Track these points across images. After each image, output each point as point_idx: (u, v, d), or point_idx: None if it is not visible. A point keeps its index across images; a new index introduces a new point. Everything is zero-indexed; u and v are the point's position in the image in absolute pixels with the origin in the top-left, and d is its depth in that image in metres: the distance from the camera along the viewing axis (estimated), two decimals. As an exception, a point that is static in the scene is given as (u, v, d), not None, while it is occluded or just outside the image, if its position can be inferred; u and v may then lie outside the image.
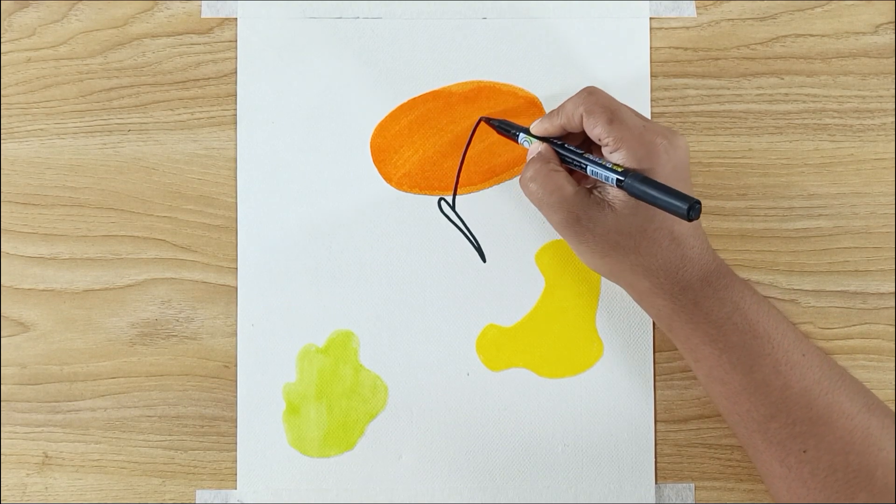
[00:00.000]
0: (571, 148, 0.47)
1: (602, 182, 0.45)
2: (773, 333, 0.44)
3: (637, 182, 0.43)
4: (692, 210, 0.41)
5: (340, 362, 0.51)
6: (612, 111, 0.44)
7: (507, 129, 0.50)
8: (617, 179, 0.44)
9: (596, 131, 0.45)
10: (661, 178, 0.43)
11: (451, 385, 0.51)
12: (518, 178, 0.52)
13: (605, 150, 0.45)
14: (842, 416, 0.42)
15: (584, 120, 0.45)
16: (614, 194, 0.45)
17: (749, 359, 0.44)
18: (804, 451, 0.42)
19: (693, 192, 0.46)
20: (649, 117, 0.52)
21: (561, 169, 0.46)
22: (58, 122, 0.52)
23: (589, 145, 0.48)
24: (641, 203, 0.44)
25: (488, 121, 0.51)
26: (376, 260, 0.52)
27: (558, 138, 0.47)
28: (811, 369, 0.43)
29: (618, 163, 0.44)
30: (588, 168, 0.45)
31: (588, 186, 0.46)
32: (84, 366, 0.52)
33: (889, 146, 0.52)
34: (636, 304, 0.49)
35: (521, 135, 0.49)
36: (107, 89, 0.52)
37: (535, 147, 0.48)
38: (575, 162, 0.46)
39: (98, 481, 0.51)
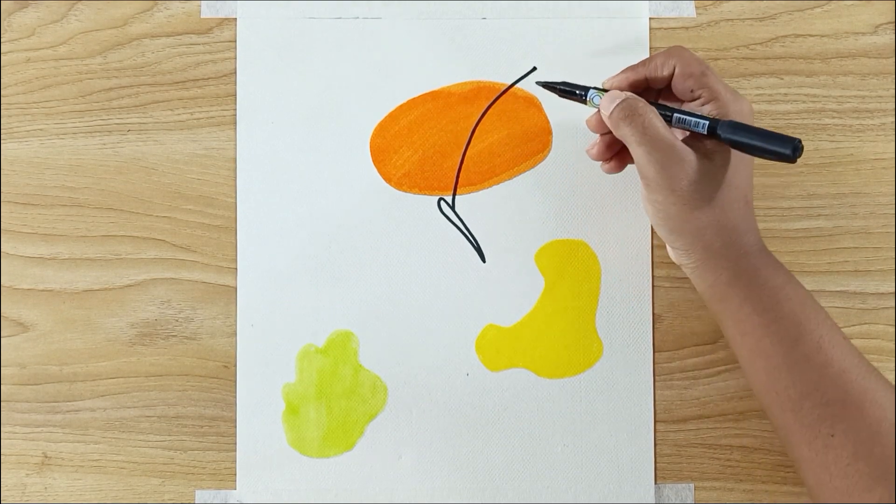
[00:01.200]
0: (651, 101, 0.46)
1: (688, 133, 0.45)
2: (820, 310, 0.45)
3: (733, 127, 0.43)
4: (796, 150, 0.41)
5: (340, 362, 0.51)
6: (705, 66, 0.45)
7: (572, 90, 0.48)
8: (709, 126, 0.44)
9: (689, 83, 0.45)
10: None
11: (451, 385, 0.51)
12: (518, 177, 0.52)
13: (696, 103, 0.45)
14: (874, 405, 0.42)
15: (678, 71, 0.45)
16: (700, 146, 0.44)
17: (796, 331, 0.44)
18: (832, 436, 0.42)
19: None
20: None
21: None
22: (57, 123, 0.52)
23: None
24: (722, 160, 0.44)
25: (546, 84, 0.49)
26: (376, 260, 0.52)
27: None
28: (852, 352, 0.44)
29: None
30: (674, 116, 0.45)
31: None
32: (83, 366, 0.52)
33: (889, 146, 0.52)
34: (636, 304, 0.49)
35: (592, 90, 0.47)
36: (106, 89, 0.52)
37: (615, 94, 0.46)
38: (659, 111, 0.45)
39: (97, 481, 0.51)
